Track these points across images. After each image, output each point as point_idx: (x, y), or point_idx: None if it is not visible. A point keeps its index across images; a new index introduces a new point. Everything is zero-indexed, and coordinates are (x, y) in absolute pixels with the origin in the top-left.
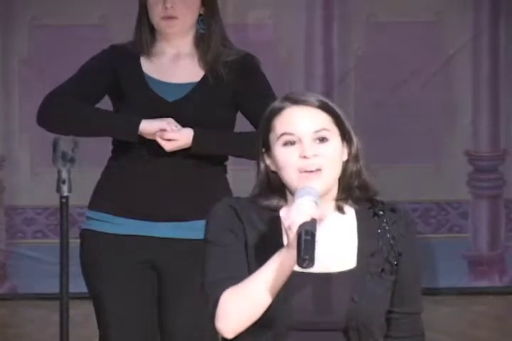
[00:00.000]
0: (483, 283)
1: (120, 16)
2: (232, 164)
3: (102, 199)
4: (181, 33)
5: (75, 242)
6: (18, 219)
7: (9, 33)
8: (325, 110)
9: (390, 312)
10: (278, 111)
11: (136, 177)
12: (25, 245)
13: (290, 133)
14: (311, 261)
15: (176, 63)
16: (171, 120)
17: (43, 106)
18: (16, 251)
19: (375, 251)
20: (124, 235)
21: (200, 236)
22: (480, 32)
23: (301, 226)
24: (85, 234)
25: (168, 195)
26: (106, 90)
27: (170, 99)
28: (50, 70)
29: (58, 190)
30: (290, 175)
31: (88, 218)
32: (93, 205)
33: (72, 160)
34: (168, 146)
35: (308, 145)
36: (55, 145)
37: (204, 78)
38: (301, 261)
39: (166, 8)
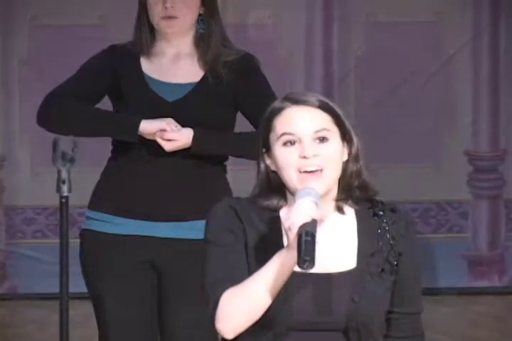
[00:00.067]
0: (482, 283)
1: (120, 16)
2: (232, 164)
3: (102, 199)
4: (181, 32)
5: (74, 242)
6: (18, 219)
7: (9, 33)
8: (325, 110)
9: (390, 312)
10: (278, 111)
11: (136, 177)
12: (25, 245)
13: (290, 133)
14: (312, 262)
15: (175, 63)
16: (170, 120)
17: (43, 106)
18: (16, 251)
19: (375, 251)
20: (124, 235)
21: (201, 236)
22: (480, 32)
23: (301, 227)
24: (85, 234)
25: (168, 195)
26: (106, 90)
27: (170, 99)
28: (50, 70)
29: (58, 190)
30: (290, 175)
31: (88, 218)
32: (93, 205)
33: (72, 160)
34: (168, 146)
35: (308, 145)
36: (55, 145)
37: (204, 78)
38: (301, 262)
39: (165, 7)
